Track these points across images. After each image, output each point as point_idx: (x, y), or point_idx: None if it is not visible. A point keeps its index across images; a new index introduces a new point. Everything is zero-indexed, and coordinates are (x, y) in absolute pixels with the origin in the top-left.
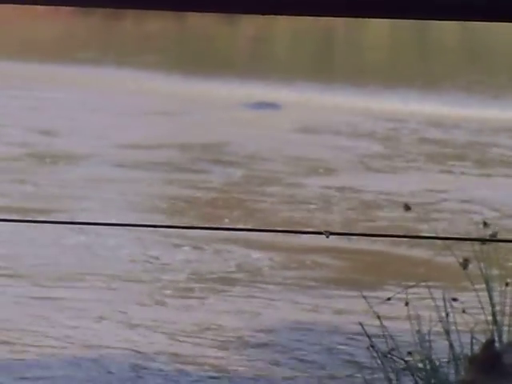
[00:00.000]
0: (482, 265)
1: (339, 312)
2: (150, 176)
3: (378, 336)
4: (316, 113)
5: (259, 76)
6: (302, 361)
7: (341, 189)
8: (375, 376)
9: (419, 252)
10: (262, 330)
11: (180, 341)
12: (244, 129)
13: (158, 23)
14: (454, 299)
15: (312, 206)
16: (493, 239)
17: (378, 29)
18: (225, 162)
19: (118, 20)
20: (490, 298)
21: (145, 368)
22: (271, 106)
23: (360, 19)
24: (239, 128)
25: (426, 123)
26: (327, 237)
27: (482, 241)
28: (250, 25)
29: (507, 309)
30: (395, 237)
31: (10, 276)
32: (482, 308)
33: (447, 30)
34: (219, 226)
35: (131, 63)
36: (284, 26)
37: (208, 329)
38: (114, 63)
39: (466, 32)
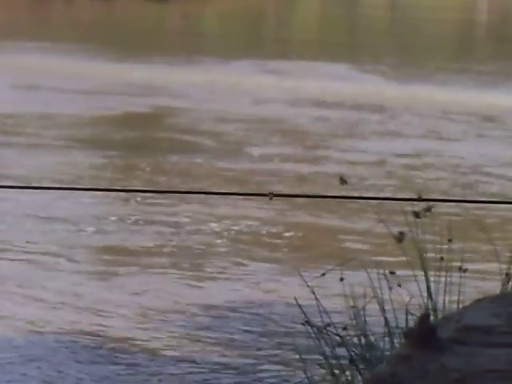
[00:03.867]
0: (417, 238)
1: (271, 290)
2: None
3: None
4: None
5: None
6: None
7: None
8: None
9: (357, 223)
10: (205, 306)
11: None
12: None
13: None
14: (392, 272)
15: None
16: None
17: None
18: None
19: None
20: (425, 272)
21: None
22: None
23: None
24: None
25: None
26: (270, 199)
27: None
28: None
29: (441, 283)
30: (327, 197)
31: None
32: (417, 282)
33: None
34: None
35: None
36: (212, 9)
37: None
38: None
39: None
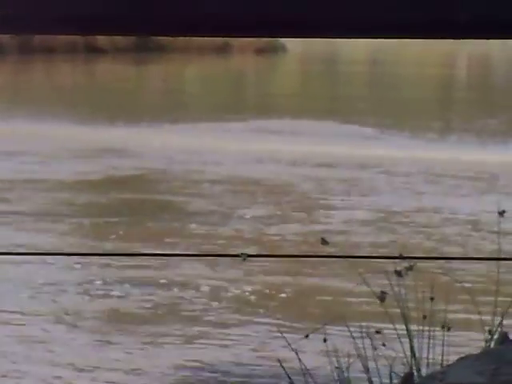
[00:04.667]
0: (399, 297)
1: (255, 349)
2: None
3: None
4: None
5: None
6: None
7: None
8: None
9: (338, 282)
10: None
11: None
12: None
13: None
14: (378, 332)
15: None
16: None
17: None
18: None
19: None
20: (408, 331)
21: None
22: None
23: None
24: None
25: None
26: (244, 259)
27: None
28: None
29: (425, 341)
30: (300, 257)
31: None
32: (401, 341)
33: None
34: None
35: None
36: (193, 69)
37: None
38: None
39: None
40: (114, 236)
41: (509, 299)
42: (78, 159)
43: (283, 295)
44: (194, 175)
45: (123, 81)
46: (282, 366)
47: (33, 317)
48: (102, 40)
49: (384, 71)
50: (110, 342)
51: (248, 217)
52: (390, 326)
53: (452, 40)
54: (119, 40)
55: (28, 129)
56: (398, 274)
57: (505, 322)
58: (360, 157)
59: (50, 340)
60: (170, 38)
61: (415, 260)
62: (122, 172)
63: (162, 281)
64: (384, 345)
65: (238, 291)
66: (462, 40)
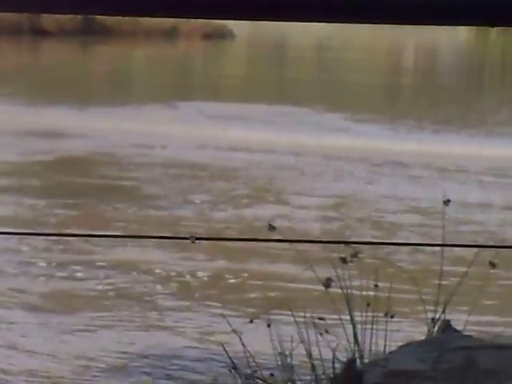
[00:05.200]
0: (343, 283)
1: (202, 333)
2: None
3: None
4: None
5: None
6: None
7: None
8: None
9: (285, 268)
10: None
11: None
12: None
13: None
14: (321, 319)
15: None
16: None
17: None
18: None
19: None
20: (351, 317)
21: None
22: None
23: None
24: None
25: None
26: (193, 242)
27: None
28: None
29: (367, 328)
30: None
31: None
32: (344, 328)
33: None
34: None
35: None
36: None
37: None
38: None
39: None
40: (56, 219)
41: (452, 288)
42: (23, 140)
43: (230, 280)
44: (140, 158)
45: (69, 63)
46: (225, 350)
47: None
48: (47, 22)
49: (331, 56)
50: (48, 324)
51: (198, 201)
52: (335, 313)
53: (400, 28)
54: (65, 22)
55: None
56: (343, 260)
57: (447, 310)
58: (308, 141)
59: None
60: (117, 22)
61: (360, 247)
62: (66, 154)
63: (106, 263)
64: (327, 331)
65: (184, 276)
66: (410, 28)
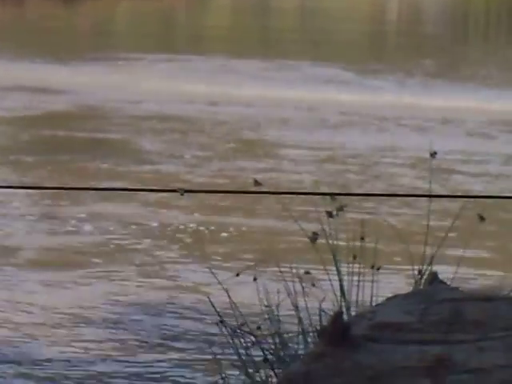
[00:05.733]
0: (329, 237)
1: (188, 288)
2: None
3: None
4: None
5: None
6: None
7: None
8: (225, 351)
9: (272, 222)
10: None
11: None
12: None
13: None
14: (307, 272)
15: None
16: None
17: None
18: None
19: None
20: (338, 270)
21: None
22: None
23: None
24: None
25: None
26: (182, 194)
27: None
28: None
29: (354, 281)
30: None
31: None
32: (330, 280)
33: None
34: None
35: None
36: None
37: None
38: None
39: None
40: (38, 175)
41: (439, 239)
42: (8, 96)
43: (220, 234)
44: (126, 112)
45: (51, 18)
46: (211, 302)
47: None
48: None
49: (315, 6)
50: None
51: (188, 156)
52: (321, 266)
53: None
54: None
55: None
56: (329, 214)
57: (434, 262)
58: (297, 93)
59: None
60: None
61: (347, 200)
62: (53, 109)
63: (95, 216)
64: (314, 285)
65: (171, 228)
66: None
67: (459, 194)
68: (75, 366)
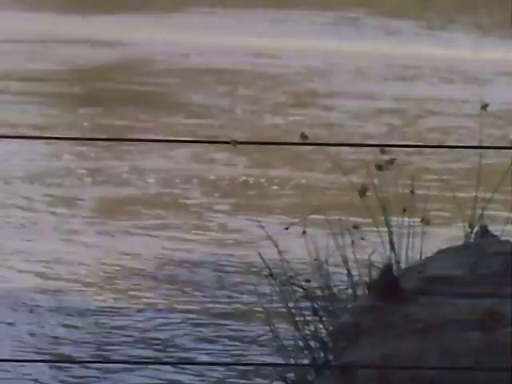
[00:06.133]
0: (379, 190)
1: (238, 243)
2: None
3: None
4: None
5: None
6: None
7: None
8: (274, 304)
9: (320, 175)
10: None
11: None
12: None
13: None
14: (356, 227)
15: None
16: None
17: None
18: None
19: None
20: (387, 224)
21: None
22: None
23: None
24: None
25: None
26: (234, 146)
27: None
28: None
29: (404, 234)
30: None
31: None
32: (380, 234)
33: None
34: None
35: None
36: None
37: None
38: None
39: None
40: (92, 126)
41: (490, 193)
42: (57, 48)
43: (267, 186)
44: (174, 65)
45: None
46: (261, 257)
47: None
48: None
49: None
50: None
51: (239, 111)
52: (370, 220)
53: None
54: None
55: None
56: (379, 167)
57: (485, 215)
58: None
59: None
60: None
61: (397, 153)
62: (101, 61)
63: (145, 168)
64: (363, 238)
65: (223, 181)
66: None
67: None
68: None
